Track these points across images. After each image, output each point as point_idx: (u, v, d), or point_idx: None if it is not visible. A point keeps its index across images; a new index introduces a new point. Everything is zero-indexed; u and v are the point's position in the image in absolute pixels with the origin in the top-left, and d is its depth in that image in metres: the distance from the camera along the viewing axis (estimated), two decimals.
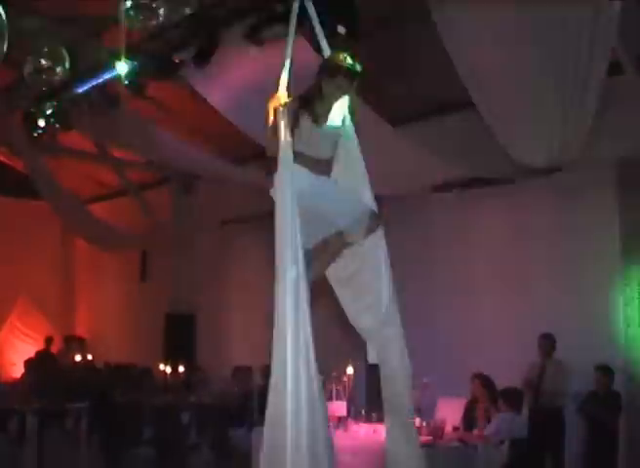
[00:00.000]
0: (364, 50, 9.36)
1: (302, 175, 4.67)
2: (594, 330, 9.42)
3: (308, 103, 4.75)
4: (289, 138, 4.60)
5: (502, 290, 10.45)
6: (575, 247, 9.78)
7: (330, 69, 4.81)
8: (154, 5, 7.25)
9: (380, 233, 5.29)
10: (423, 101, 10.66)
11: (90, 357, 15.60)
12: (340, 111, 4.98)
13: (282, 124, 4.60)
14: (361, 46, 9.14)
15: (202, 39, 7.89)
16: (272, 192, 4.75)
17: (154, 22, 7.39)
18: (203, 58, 7.95)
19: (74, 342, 16.06)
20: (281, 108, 4.64)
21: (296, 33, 5.20)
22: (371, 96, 8.86)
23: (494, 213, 10.76)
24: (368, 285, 5.31)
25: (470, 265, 10.85)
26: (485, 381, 9.19)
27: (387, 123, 9.09)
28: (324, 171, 4.90)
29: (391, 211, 12.05)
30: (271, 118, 4.69)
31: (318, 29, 5.26)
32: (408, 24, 8.85)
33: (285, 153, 4.58)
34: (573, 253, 9.80)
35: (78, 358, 15.09)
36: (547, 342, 9.56)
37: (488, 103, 8.04)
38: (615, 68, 7.33)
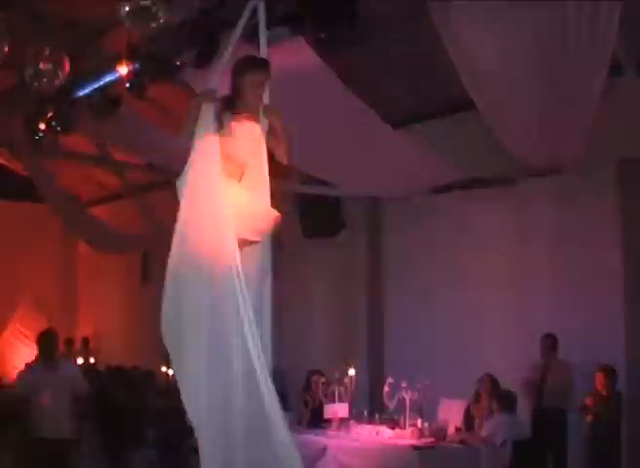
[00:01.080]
0: (365, 52, 9.44)
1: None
2: (596, 330, 9.42)
3: (230, 104, 4.70)
4: (211, 133, 4.57)
5: (504, 291, 10.45)
6: (576, 247, 9.79)
7: (238, 68, 4.75)
8: (155, 7, 7.25)
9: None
10: (424, 102, 10.68)
11: (92, 359, 15.61)
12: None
13: (203, 119, 4.58)
14: (362, 47, 9.21)
15: (202, 41, 7.89)
16: (178, 183, 4.78)
17: (155, 25, 7.39)
18: (203, 60, 7.94)
19: (76, 345, 16.08)
20: (202, 106, 4.61)
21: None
22: (371, 96, 8.88)
23: (494, 214, 10.75)
24: None
25: (472, 267, 10.85)
26: (491, 382, 9.22)
27: (388, 124, 9.09)
28: (238, 175, 4.77)
29: (392, 212, 12.14)
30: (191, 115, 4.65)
31: (262, 31, 5.12)
32: (408, 25, 8.85)
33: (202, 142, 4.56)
34: (574, 254, 9.81)
35: (80, 360, 15.11)
36: (550, 343, 9.56)
37: (488, 105, 8.04)
38: (615, 70, 7.33)
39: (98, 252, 16.56)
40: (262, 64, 4.78)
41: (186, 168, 4.66)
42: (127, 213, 15.68)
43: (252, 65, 4.74)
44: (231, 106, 4.70)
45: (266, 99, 4.81)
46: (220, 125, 4.62)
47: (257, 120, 4.81)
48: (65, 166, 14.65)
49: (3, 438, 10.61)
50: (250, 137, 4.74)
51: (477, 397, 9.33)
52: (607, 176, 9.54)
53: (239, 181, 4.76)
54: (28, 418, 8.91)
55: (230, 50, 4.99)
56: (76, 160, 14.58)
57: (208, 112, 4.60)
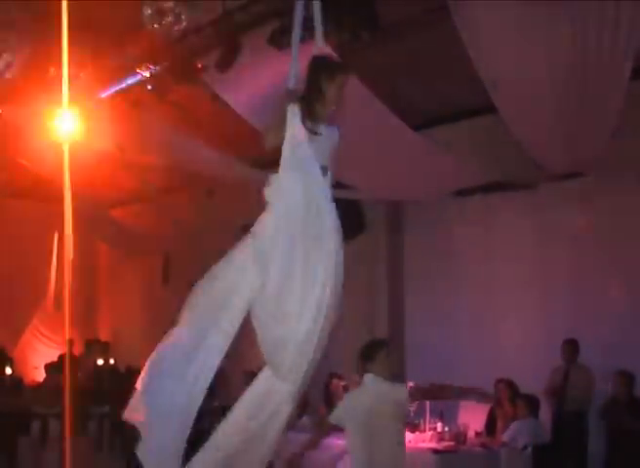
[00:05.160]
0: (386, 54, 9.43)
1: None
2: (617, 333, 9.37)
3: (310, 106, 4.51)
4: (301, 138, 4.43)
5: (525, 295, 10.41)
6: (597, 251, 9.74)
7: (331, 69, 4.60)
8: (177, 10, 7.29)
9: None
10: (445, 105, 10.66)
11: (112, 361, 15.65)
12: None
13: (291, 120, 4.42)
14: (382, 49, 9.20)
15: (224, 44, 7.91)
16: (267, 192, 4.57)
17: (177, 27, 7.42)
18: (225, 62, 7.96)
19: (96, 346, 16.12)
20: (288, 107, 4.45)
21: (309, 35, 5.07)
22: (392, 99, 8.87)
23: (516, 217, 10.72)
24: None
25: (492, 272, 10.81)
26: (509, 386, 9.17)
27: (408, 127, 9.07)
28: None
29: (412, 215, 12.12)
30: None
31: (318, 30, 5.02)
32: (430, 27, 8.84)
33: (295, 151, 4.42)
34: (595, 258, 9.76)
35: (100, 362, 15.15)
36: (571, 348, 9.51)
37: (510, 108, 8.02)
38: (636, 71, 7.28)
39: (118, 254, 16.63)
40: (344, 67, 4.71)
41: (280, 172, 4.52)
42: (147, 215, 15.75)
43: (338, 68, 4.63)
44: (311, 107, 4.53)
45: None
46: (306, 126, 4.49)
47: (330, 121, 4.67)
48: (86, 168, 14.70)
49: None
50: (329, 139, 4.64)
51: (499, 402, 9.29)
52: (630, 180, 9.48)
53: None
54: None
55: (296, 50, 4.90)
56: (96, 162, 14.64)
57: (294, 113, 4.46)
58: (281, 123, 4.47)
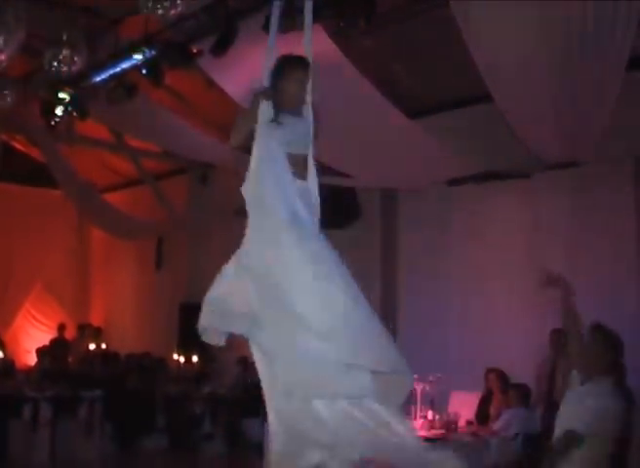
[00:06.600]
0: (382, 41, 9.42)
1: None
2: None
3: (275, 103, 4.57)
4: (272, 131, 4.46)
5: (517, 285, 10.41)
6: (590, 241, 9.74)
7: (289, 65, 4.61)
8: None
9: None
10: (441, 94, 10.65)
11: (104, 345, 15.67)
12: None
13: (263, 117, 4.47)
14: (379, 37, 9.19)
15: (220, 29, 7.89)
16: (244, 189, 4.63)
17: (173, 12, 7.40)
18: (221, 47, 7.94)
19: (88, 331, 16.14)
20: (260, 104, 4.49)
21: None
22: (388, 87, 8.86)
23: (510, 207, 10.71)
24: None
25: (485, 260, 10.80)
26: (499, 376, 9.18)
27: (404, 115, 9.06)
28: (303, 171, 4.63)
29: (407, 205, 12.10)
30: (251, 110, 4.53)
31: (307, 24, 4.94)
32: (426, 16, 8.82)
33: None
34: (588, 248, 9.75)
35: (92, 346, 15.18)
36: (559, 337, 9.51)
37: (505, 97, 8.01)
38: (633, 64, 7.28)
39: (112, 238, 16.63)
40: (303, 63, 4.67)
41: (251, 169, 4.57)
42: (141, 199, 15.73)
43: (292, 65, 4.63)
44: (276, 104, 4.57)
45: (309, 97, 4.75)
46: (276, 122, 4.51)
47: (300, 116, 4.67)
48: (81, 152, 14.70)
49: None
50: (298, 133, 4.61)
51: (490, 394, 9.29)
52: (623, 170, 9.48)
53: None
54: None
55: (272, 42, 4.88)
56: (92, 146, 14.63)
57: (267, 110, 4.50)
58: (248, 122, 4.50)
